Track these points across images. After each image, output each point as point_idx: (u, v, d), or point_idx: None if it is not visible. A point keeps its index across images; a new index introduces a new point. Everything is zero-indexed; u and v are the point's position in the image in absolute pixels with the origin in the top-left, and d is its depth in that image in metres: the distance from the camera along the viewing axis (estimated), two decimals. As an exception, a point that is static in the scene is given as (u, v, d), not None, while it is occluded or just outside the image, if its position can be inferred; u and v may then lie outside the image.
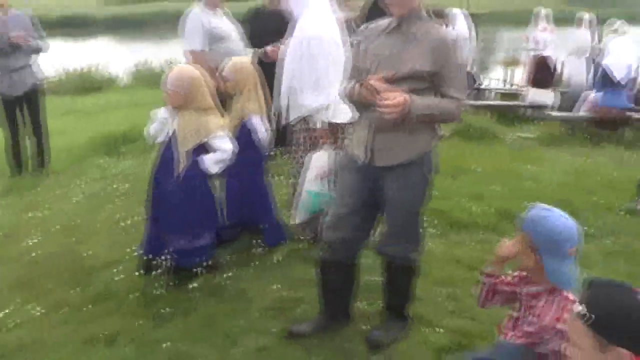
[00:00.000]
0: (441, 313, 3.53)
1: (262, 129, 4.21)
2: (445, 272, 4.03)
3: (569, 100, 10.08)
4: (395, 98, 2.83)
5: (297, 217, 4.22)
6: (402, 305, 3.36)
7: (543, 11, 11.30)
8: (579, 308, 1.73)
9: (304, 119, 4.21)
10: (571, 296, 2.31)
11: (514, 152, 7.53)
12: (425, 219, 4.69)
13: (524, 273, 2.52)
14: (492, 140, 8.10)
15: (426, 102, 2.93)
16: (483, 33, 29.25)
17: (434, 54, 2.93)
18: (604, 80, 8.18)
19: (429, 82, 2.97)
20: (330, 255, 3.26)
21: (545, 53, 10.16)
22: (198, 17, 5.56)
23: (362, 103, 3.05)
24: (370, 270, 3.66)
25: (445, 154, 6.75)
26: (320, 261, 3.33)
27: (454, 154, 6.84)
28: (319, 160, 4.07)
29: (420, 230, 3.26)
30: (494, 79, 14.74)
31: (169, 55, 15.73)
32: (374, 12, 4.02)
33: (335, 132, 4.19)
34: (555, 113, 9.02)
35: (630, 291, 1.73)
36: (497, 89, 12.75)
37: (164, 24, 30.33)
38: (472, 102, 10.07)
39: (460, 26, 10.20)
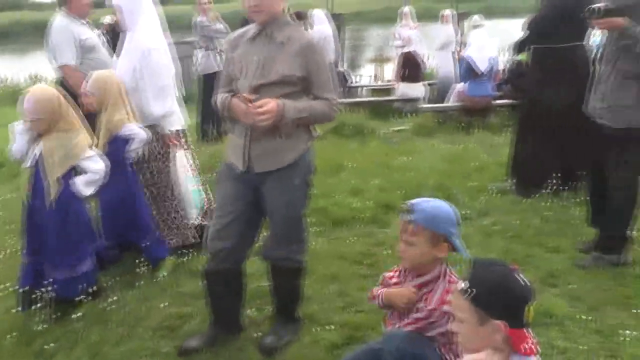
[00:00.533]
0: (331, 310, 3.58)
1: (141, 135, 4.07)
2: (332, 269, 4.09)
3: (440, 92, 10.54)
4: (267, 105, 2.86)
5: (193, 217, 4.38)
6: (292, 307, 3.38)
7: (407, 9, 11.73)
8: (461, 285, 1.87)
9: (153, 127, 4.20)
10: (454, 278, 2.44)
11: (389, 145, 7.77)
12: (307, 218, 4.80)
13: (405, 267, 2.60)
14: (368, 135, 8.30)
15: (299, 106, 2.98)
16: (351, 32, 30.01)
17: (301, 57, 2.97)
18: (468, 72, 8.59)
19: (300, 85, 3.02)
20: (216, 265, 3.23)
21: (412, 49, 10.53)
22: (67, 28, 5.30)
23: (236, 113, 3.05)
24: (258, 277, 3.67)
25: (322, 153, 6.85)
26: (207, 273, 3.28)
27: (331, 152, 6.97)
28: (182, 160, 4.28)
29: (305, 231, 3.29)
30: (366, 76, 15.16)
31: (33, 69, 15.01)
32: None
33: (178, 137, 4.38)
34: (426, 105, 9.38)
35: (507, 268, 1.89)
36: (368, 85, 13.08)
37: (24, 36, 28.72)
38: (345, 100, 10.27)
39: (322, 27, 10.28)
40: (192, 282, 3.90)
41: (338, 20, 13.31)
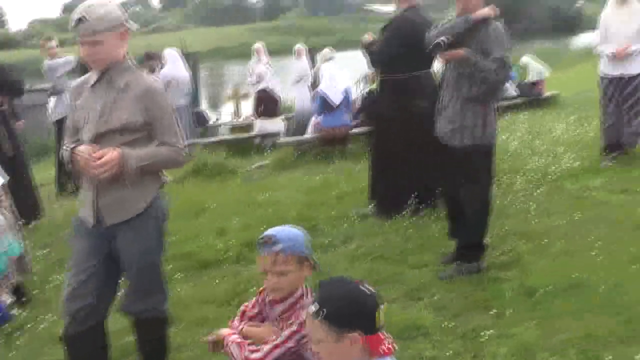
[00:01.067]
0: (205, 355, 3.48)
1: None
2: (200, 314, 4.03)
3: (299, 125, 10.71)
4: (107, 155, 2.79)
5: None
6: (160, 358, 3.27)
7: (258, 45, 11.86)
8: (311, 307, 1.94)
9: None
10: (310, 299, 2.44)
11: (251, 182, 7.78)
12: (171, 265, 4.69)
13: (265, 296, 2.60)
14: (228, 175, 8.25)
15: (142, 153, 2.92)
16: (208, 70, 29.94)
17: (142, 103, 2.93)
18: (322, 106, 8.77)
19: (144, 131, 2.96)
20: (76, 327, 3.04)
21: (265, 85, 10.64)
22: None
23: (78, 166, 2.95)
24: (124, 333, 3.52)
25: (183, 196, 6.84)
26: (67, 336, 3.08)
27: (193, 194, 6.91)
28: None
29: (163, 280, 3.20)
30: (227, 113, 15.13)
31: None
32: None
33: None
34: (284, 139, 9.48)
35: (351, 282, 2.00)
36: (227, 123, 13.07)
37: None
38: (201, 140, 10.20)
39: (173, 66, 10.19)
40: (52, 348, 3.67)
41: (192, 59, 13.22)
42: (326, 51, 11.89)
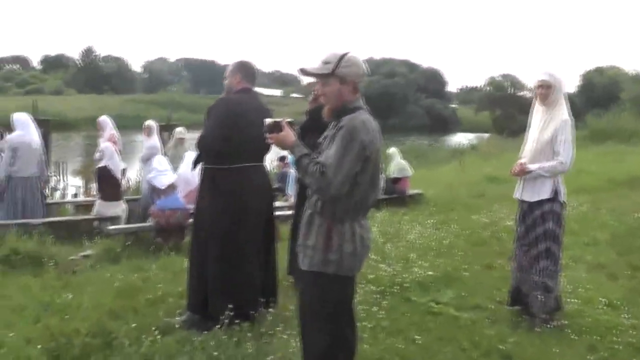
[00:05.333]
0: None
1: None
2: None
3: (144, 209, 9.61)
4: None
5: None
6: None
7: (102, 118, 10.83)
8: None
9: None
10: None
11: (64, 277, 6.60)
12: None
13: None
14: (44, 266, 7.02)
15: None
16: (83, 138, 28.18)
17: None
18: (152, 193, 8.20)
19: None
20: None
21: (105, 163, 9.43)
22: None
23: None
24: None
25: None
26: None
27: None
28: None
29: None
30: (74, 187, 13.93)
31: None
32: None
33: None
34: (114, 227, 8.32)
35: None
36: (69, 201, 11.82)
37: None
38: (34, 221, 8.89)
39: (23, 132, 8.99)
40: None
41: (44, 125, 12.04)
42: (179, 130, 11.08)
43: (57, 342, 4.50)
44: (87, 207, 10.74)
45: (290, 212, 6.43)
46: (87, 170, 12.91)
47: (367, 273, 6.01)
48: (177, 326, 4.85)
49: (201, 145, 4.92)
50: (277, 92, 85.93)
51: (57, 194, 13.93)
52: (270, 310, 5.13)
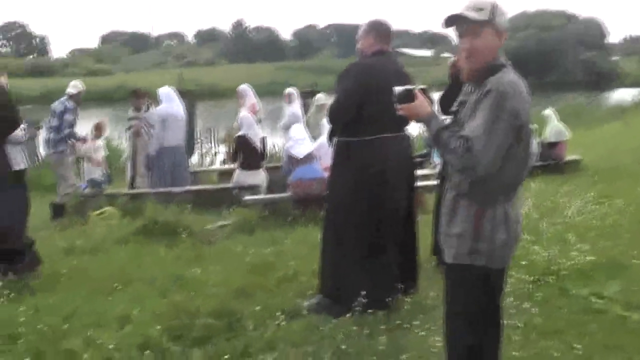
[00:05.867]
0: None
1: None
2: None
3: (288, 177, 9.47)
4: None
5: None
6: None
7: (241, 87, 10.66)
8: None
9: None
10: None
11: (199, 248, 6.51)
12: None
13: None
14: (179, 236, 6.99)
15: None
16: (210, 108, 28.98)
17: None
18: (289, 162, 7.92)
19: None
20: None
21: (245, 132, 9.30)
22: None
23: None
24: None
25: (114, 263, 5.81)
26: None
27: (124, 261, 5.89)
28: None
29: None
30: (223, 154, 14.16)
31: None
32: None
33: None
34: (251, 197, 8.19)
35: None
36: (213, 169, 11.98)
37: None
38: (173, 189, 9.00)
39: (168, 105, 9.53)
40: None
41: (188, 97, 12.36)
42: (320, 96, 10.73)
43: (180, 321, 4.33)
44: (231, 174, 10.80)
45: (437, 182, 5.84)
46: (230, 138, 12.97)
47: (520, 257, 5.23)
48: (305, 312, 4.50)
49: (331, 116, 4.51)
50: (427, 53, 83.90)
51: (207, 160, 14.19)
52: (409, 298, 4.65)
